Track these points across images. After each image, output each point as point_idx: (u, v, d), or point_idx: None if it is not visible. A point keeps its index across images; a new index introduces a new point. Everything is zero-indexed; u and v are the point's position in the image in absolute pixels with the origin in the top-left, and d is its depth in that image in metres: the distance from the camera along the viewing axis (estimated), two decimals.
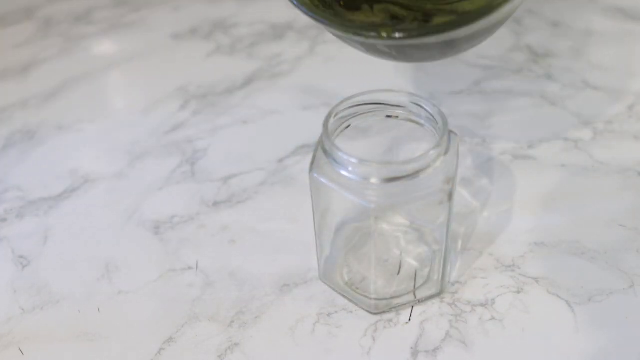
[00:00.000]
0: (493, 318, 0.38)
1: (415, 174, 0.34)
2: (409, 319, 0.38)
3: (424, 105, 0.36)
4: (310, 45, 0.64)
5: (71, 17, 0.78)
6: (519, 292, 0.39)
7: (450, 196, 0.35)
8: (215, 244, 0.44)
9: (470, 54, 0.60)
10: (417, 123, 0.37)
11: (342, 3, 0.34)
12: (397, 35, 0.31)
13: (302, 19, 0.64)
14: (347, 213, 0.36)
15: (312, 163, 0.36)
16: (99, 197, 0.50)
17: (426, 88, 0.57)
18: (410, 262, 0.39)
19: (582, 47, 0.64)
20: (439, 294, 0.39)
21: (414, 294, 0.39)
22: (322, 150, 0.35)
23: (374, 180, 0.34)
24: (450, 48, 0.34)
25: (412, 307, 0.39)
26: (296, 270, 0.42)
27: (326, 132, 0.35)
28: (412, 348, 0.36)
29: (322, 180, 0.35)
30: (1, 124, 0.60)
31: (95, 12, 0.79)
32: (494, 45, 0.62)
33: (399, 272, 0.38)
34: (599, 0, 0.72)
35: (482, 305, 0.39)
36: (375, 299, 0.38)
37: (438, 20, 0.32)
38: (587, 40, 0.65)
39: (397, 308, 0.39)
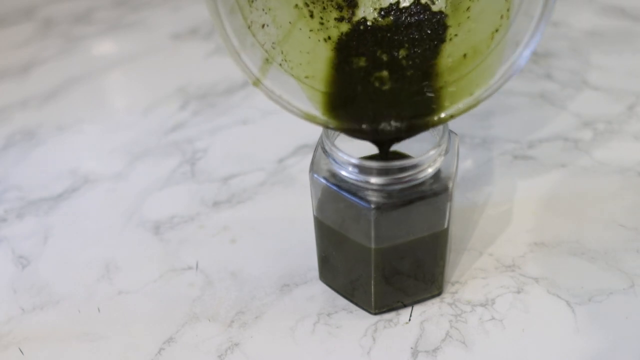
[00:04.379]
0: (493, 318, 0.38)
1: (415, 174, 0.34)
2: (409, 319, 0.38)
3: None
4: None
5: (71, 17, 0.78)
6: (519, 292, 0.39)
7: (450, 196, 0.35)
8: (215, 244, 0.44)
9: None
10: None
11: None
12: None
13: None
14: (347, 213, 0.36)
15: (312, 163, 0.36)
16: (99, 197, 0.50)
17: None
18: (410, 261, 0.39)
19: (582, 47, 0.64)
20: (439, 294, 0.39)
21: (414, 294, 0.39)
22: (322, 151, 0.35)
23: (373, 181, 0.34)
24: None
25: (412, 307, 0.39)
26: (296, 270, 0.42)
27: (326, 132, 0.35)
28: (412, 348, 0.36)
29: (322, 180, 0.35)
30: (1, 124, 0.60)
31: (95, 12, 0.79)
32: None
33: (399, 272, 0.38)
34: (599, 0, 0.72)
35: (482, 305, 0.39)
36: (375, 299, 0.38)
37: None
38: (587, 40, 0.65)
39: (397, 308, 0.39)
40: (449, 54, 0.35)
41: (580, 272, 0.40)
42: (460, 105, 0.33)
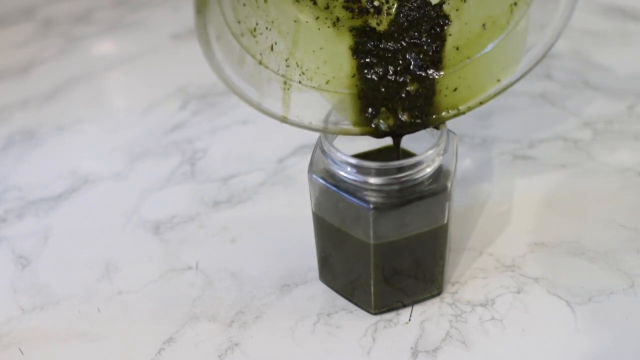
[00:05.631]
0: (493, 318, 0.38)
1: (413, 174, 0.34)
2: (409, 319, 0.38)
3: None
4: None
5: (71, 17, 0.78)
6: (519, 292, 0.39)
7: (449, 196, 0.35)
8: (215, 244, 0.44)
9: None
10: None
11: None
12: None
13: None
14: (346, 213, 0.36)
15: (311, 164, 0.36)
16: (99, 197, 0.50)
17: None
18: (410, 261, 0.39)
19: (582, 47, 0.64)
20: (438, 294, 0.39)
21: (414, 294, 0.39)
22: (321, 151, 0.35)
23: (372, 181, 0.34)
24: None
25: (412, 307, 0.39)
26: (296, 270, 0.42)
27: (324, 134, 0.35)
28: (412, 348, 0.36)
29: (321, 181, 0.35)
30: (1, 124, 0.60)
31: (95, 12, 0.79)
32: None
33: (398, 272, 0.38)
34: (599, 0, 0.72)
35: (482, 305, 0.39)
36: (375, 299, 0.38)
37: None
38: (587, 40, 0.65)
39: (397, 308, 0.39)
40: (467, 20, 0.35)
41: (580, 272, 0.40)
42: (491, 91, 0.34)
